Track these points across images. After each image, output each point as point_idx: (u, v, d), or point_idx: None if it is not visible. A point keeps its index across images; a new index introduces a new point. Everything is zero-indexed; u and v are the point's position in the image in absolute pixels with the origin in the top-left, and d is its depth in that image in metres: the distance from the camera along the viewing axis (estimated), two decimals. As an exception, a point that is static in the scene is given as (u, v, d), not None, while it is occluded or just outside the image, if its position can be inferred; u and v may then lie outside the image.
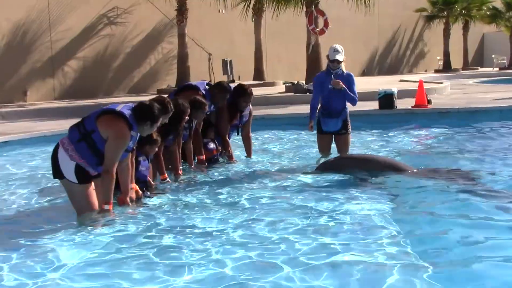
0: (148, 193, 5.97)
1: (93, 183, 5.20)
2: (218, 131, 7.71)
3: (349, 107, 7.79)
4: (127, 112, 5.11)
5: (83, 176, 5.09)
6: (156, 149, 6.14)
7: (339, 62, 7.48)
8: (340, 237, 4.40)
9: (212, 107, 7.54)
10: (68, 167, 5.06)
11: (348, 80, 7.58)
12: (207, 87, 7.47)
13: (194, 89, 7.36)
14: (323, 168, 6.87)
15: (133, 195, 5.63)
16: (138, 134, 5.28)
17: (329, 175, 6.62)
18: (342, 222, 4.80)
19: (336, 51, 7.51)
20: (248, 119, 8.00)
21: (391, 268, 3.74)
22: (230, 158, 7.73)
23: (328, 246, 4.22)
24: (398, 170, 6.52)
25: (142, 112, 5.17)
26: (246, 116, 7.95)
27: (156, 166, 6.44)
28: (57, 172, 5.13)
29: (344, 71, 7.63)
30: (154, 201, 5.77)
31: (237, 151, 8.26)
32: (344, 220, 4.84)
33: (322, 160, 7.44)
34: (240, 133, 8.11)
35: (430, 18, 34.42)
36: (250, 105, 7.97)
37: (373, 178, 6.37)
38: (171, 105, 5.55)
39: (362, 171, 6.55)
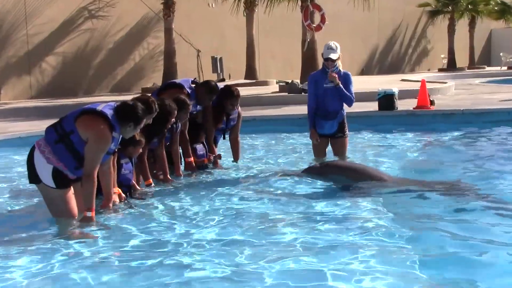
0: (132, 198, 5.98)
1: (72, 187, 5.21)
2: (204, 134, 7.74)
3: (346, 108, 7.82)
4: (108, 112, 5.12)
5: (61, 180, 5.10)
6: (140, 151, 6.14)
7: (333, 60, 7.49)
8: (320, 247, 4.46)
9: (197, 107, 7.56)
10: (44, 170, 5.07)
11: (345, 79, 7.60)
12: (192, 85, 7.47)
13: (179, 88, 7.36)
14: (307, 173, 6.93)
15: (117, 200, 5.65)
16: (121, 136, 5.29)
17: (315, 181, 6.70)
18: (322, 230, 4.89)
19: (330, 48, 7.51)
20: (236, 122, 8.02)
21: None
22: (215, 163, 7.76)
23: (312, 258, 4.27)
24: (381, 181, 6.58)
25: (124, 113, 5.19)
26: (234, 120, 7.97)
27: (140, 170, 6.46)
28: (33, 177, 5.14)
29: (341, 70, 7.65)
30: (138, 206, 5.79)
31: (226, 156, 8.28)
32: (324, 227, 4.94)
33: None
34: (229, 137, 8.14)
35: (434, 14, 34.53)
36: (239, 107, 7.99)
37: (357, 187, 6.43)
38: (156, 105, 5.57)
39: (348, 180, 6.61)
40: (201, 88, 7.46)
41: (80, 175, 5.17)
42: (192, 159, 7.40)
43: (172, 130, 6.94)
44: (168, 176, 6.79)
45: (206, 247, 4.55)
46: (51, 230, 5.15)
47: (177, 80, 7.84)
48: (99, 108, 5.15)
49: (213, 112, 7.71)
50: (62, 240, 4.79)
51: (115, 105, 5.25)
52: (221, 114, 7.76)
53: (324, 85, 7.59)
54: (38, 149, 5.10)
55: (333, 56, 7.47)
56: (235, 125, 8.03)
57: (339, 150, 7.86)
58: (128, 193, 5.98)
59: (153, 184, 6.52)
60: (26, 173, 5.24)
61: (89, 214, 5.09)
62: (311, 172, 6.94)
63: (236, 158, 8.15)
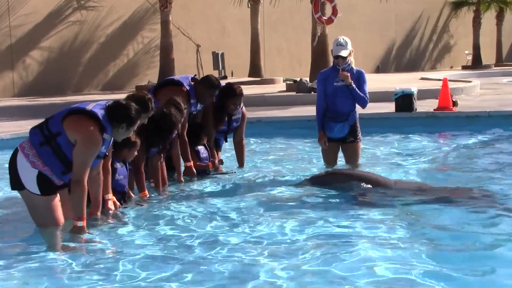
0: (127, 206, 6.01)
1: (58, 194, 5.23)
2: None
3: (359, 110, 7.81)
4: (99, 112, 5.14)
5: (46, 187, 5.12)
6: (135, 153, 6.17)
7: (343, 58, 7.47)
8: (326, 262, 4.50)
9: (198, 106, 7.58)
10: (28, 176, 5.08)
11: (358, 78, 7.60)
12: (192, 83, 7.49)
13: (177, 85, 7.39)
14: (312, 182, 6.96)
15: (112, 208, 5.68)
16: (112, 138, 5.31)
17: (320, 190, 6.73)
18: (330, 243, 4.92)
19: (339, 45, 7.49)
20: (240, 123, 8.04)
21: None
22: (216, 169, 7.79)
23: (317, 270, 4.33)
24: (392, 189, 6.63)
25: (117, 113, 5.20)
26: (238, 121, 7.99)
27: (136, 181, 6.47)
28: (15, 183, 5.16)
29: (354, 67, 7.65)
30: (133, 215, 5.82)
31: (231, 161, 8.31)
32: (330, 240, 4.98)
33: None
34: (232, 140, 8.16)
35: (457, 5, 34.55)
36: (243, 107, 8.01)
37: (366, 196, 6.48)
38: (152, 103, 5.62)
39: (356, 189, 6.67)
40: (200, 85, 7.47)
41: (67, 181, 5.19)
42: (192, 163, 7.41)
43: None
44: (161, 187, 6.81)
45: (203, 265, 4.56)
46: (34, 241, 5.16)
47: (176, 77, 7.86)
48: (89, 107, 5.17)
49: (213, 112, 7.72)
50: (45, 253, 4.80)
51: (107, 104, 5.26)
52: (222, 114, 7.77)
53: (335, 84, 7.58)
54: (21, 153, 5.12)
55: (343, 53, 7.46)
56: (238, 127, 8.05)
57: (351, 157, 7.83)
58: (121, 201, 5.99)
59: (147, 196, 6.54)
60: (8, 178, 5.26)
61: (80, 223, 5.10)
62: (316, 181, 6.96)
63: (241, 163, 8.16)
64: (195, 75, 7.77)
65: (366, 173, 7.12)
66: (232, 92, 7.70)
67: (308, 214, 5.80)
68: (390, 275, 4.18)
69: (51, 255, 4.77)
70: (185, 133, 7.30)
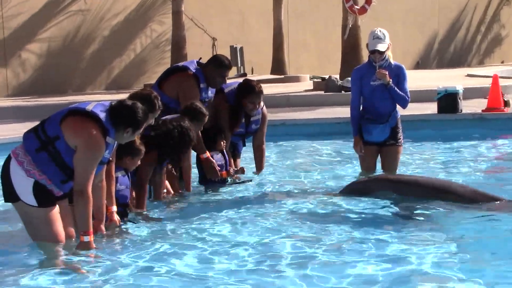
0: (128, 220, 6.07)
1: (57, 206, 5.25)
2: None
3: (400, 110, 7.80)
4: (101, 114, 5.17)
5: (44, 197, 5.13)
6: (142, 166, 6.23)
7: (381, 52, 7.47)
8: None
9: (209, 92, 7.59)
10: (23, 185, 5.10)
11: (398, 74, 7.61)
12: (198, 66, 7.51)
13: (182, 70, 7.48)
14: (349, 191, 6.95)
15: (117, 220, 5.76)
16: (116, 142, 5.34)
17: (357, 200, 6.72)
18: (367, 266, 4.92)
19: (376, 38, 7.50)
20: (260, 125, 8.06)
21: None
22: (232, 175, 7.83)
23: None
24: (459, 197, 6.55)
25: (121, 115, 5.22)
26: (257, 122, 8.01)
27: (137, 197, 6.52)
28: (9, 193, 5.17)
29: (392, 62, 7.64)
30: (137, 229, 5.88)
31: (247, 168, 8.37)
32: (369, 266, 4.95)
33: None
34: (252, 143, 8.20)
35: (509, -8, 34.43)
36: (264, 107, 8.01)
37: (417, 207, 6.44)
38: (159, 101, 5.74)
39: (402, 196, 6.65)
40: (209, 67, 7.49)
41: (67, 191, 5.23)
42: (209, 155, 7.39)
43: None
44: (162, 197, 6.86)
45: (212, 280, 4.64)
46: (30, 258, 5.20)
47: (180, 64, 7.89)
48: (89, 108, 5.19)
49: (229, 112, 7.73)
50: (42, 271, 4.83)
51: (110, 105, 5.29)
52: (239, 115, 7.78)
53: (371, 83, 7.60)
54: (15, 160, 5.13)
55: (380, 47, 7.46)
56: (258, 130, 8.07)
57: (390, 162, 7.81)
58: (123, 214, 6.03)
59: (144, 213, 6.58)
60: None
61: (86, 238, 5.14)
62: (354, 189, 6.95)
63: (259, 168, 8.20)
64: (200, 58, 7.76)
65: (418, 177, 7.07)
66: (250, 89, 7.70)
67: (344, 231, 5.80)
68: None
69: (50, 274, 4.80)
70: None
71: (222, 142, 7.63)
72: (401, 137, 7.84)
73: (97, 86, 21.57)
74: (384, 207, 6.56)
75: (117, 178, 5.92)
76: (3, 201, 5.37)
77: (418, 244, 5.31)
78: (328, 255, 5.12)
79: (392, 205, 6.60)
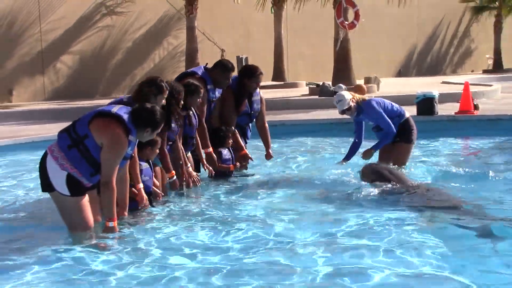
0: (153, 206, 6.09)
1: (87, 195, 5.27)
2: (223, 122, 7.80)
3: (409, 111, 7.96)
4: (124, 116, 5.18)
5: (75, 188, 5.16)
6: (157, 151, 6.22)
7: (348, 110, 7.60)
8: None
9: (216, 92, 7.61)
10: (58, 178, 5.12)
11: (369, 113, 7.65)
12: (205, 71, 7.53)
13: (190, 75, 7.48)
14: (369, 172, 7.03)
15: (144, 197, 5.83)
16: (137, 140, 5.35)
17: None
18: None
19: (337, 103, 7.66)
20: (260, 107, 8.11)
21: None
22: (242, 167, 7.84)
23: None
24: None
25: (142, 117, 5.24)
26: (258, 102, 8.05)
27: (162, 163, 6.49)
28: (46, 185, 5.20)
29: (361, 103, 7.65)
30: (160, 213, 5.93)
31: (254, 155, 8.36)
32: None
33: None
34: (256, 125, 8.24)
35: (478, 10, 34.28)
36: (260, 92, 8.09)
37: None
38: (165, 83, 5.81)
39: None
40: (215, 70, 7.53)
41: (96, 182, 5.25)
42: (212, 150, 7.40)
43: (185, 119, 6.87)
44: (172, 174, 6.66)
45: (232, 256, 4.64)
46: (63, 240, 5.24)
47: (189, 70, 7.95)
48: (114, 110, 5.21)
49: (234, 96, 7.76)
50: (77, 251, 4.88)
51: (132, 108, 5.30)
52: (243, 96, 7.84)
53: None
54: (50, 155, 5.16)
55: (344, 107, 7.57)
56: (259, 111, 8.11)
57: (395, 159, 7.80)
58: (148, 202, 6.04)
59: (175, 178, 6.56)
60: (39, 180, 5.30)
61: (110, 224, 5.18)
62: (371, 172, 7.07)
63: (267, 146, 8.22)
64: (207, 63, 7.82)
65: (394, 172, 7.09)
66: (252, 71, 7.80)
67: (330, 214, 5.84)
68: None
69: (80, 254, 4.84)
70: (203, 120, 7.33)
71: (229, 141, 7.64)
72: (411, 136, 7.81)
73: (121, 91, 21.60)
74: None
75: (141, 170, 5.94)
76: (41, 190, 5.35)
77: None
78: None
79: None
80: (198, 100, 6.91)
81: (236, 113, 7.85)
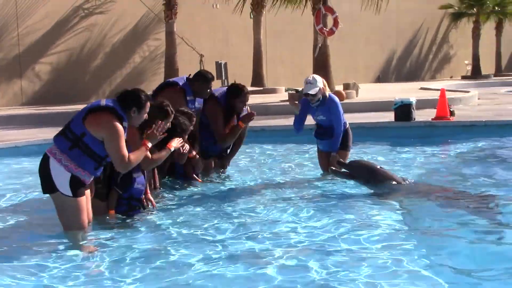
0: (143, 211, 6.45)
1: (85, 197, 5.61)
2: (215, 137, 8.17)
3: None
4: (114, 105, 5.57)
5: (77, 189, 5.49)
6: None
7: (313, 95, 7.83)
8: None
9: (196, 103, 8.02)
10: (62, 179, 5.44)
11: (329, 107, 7.95)
12: (186, 82, 7.99)
13: (172, 85, 7.93)
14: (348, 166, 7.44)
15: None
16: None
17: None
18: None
19: (308, 83, 7.88)
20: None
21: None
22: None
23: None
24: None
25: (126, 98, 5.64)
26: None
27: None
28: (48, 186, 5.50)
29: (327, 95, 7.95)
30: (154, 216, 6.30)
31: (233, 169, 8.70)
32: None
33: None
34: None
35: (457, 16, 34.72)
36: (248, 107, 8.43)
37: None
38: (169, 106, 6.29)
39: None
40: (196, 82, 7.97)
41: (99, 175, 5.72)
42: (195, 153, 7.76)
43: None
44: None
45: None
46: (57, 241, 5.53)
47: (171, 79, 8.34)
48: (103, 103, 5.60)
49: (223, 112, 8.13)
50: (69, 252, 5.18)
51: (116, 96, 5.71)
52: (231, 113, 8.23)
53: (315, 117, 8.18)
54: (53, 158, 5.46)
55: (310, 91, 7.83)
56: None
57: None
58: (140, 207, 6.39)
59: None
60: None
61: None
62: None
63: (229, 156, 8.67)
64: (189, 75, 8.16)
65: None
66: (239, 91, 8.17)
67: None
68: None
69: (76, 254, 5.14)
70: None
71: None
72: (348, 144, 8.17)
73: (100, 95, 21.65)
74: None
75: (134, 179, 6.19)
76: (42, 192, 5.63)
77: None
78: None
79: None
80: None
81: (226, 128, 8.22)
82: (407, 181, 7.26)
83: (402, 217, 6.08)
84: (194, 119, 7.32)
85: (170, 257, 5.01)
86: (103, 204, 6.14)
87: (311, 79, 7.88)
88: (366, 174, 7.25)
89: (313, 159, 9.72)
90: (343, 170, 7.48)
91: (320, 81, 7.87)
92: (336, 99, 8.00)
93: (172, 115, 6.36)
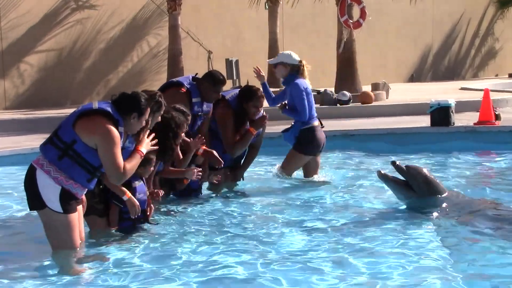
0: (149, 222, 6.54)
1: (77, 213, 5.62)
2: (224, 145, 8.18)
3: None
4: (108, 108, 5.54)
5: (68, 204, 5.48)
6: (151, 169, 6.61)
7: (281, 66, 8.50)
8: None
9: (204, 106, 7.97)
10: (52, 193, 5.41)
11: (291, 93, 8.56)
12: (193, 82, 7.92)
13: (176, 86, 7.88)
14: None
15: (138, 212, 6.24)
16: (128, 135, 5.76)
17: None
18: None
19: (285, 54, 8.67)
20: (262, 129, 8.47)
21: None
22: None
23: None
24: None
25: (125, 103, 5.61)
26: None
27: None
28: (36, 202, 5.47)
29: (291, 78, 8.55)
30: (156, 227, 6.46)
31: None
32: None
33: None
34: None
35: (503, 4, 34.48)
36: (263, 111, 8.42)
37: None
38: (161, 97, 6.26)
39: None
40: (204, 83, 7.89)
41: (93, 188, 5.68)
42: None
43: None
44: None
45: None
46: (46, 263, 5.58)
47: (176, 79, 8.32)
48: (95, 105, 5.57)
49: (234, 116, 8.14)
50: (59, 276, 5.23)
51: (112, 98, 5.68)
52: (243, 121, 8.24)
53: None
54: (41, 170, 5.44)
55: (271, 60, 8.72)
56: (260, 133, 8.51)
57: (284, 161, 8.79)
58: (143, 219, 6.45)
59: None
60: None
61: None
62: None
63: (243, 167, 8.75)
64: (196, 74, 8.15)
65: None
66: (252, 94, 8.17)
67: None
68: None
69: (66, 278, 5.20)
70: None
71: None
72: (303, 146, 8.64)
73: (95, 97, 21.53)
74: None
75: (135, 187, 6.25)
76: (29, 209, 5.65)
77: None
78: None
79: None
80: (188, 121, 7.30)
81: (237, 133, 8.21)
82: (460, 196, 7.27)
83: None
84: (189, 117, 7.25)
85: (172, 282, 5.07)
86: (102, 221, 6.17)
87: (285, 52, 8.65)
88: (422, 184, 7.21)
89: (338, 168, 9.78)
90: (391, 175, 7.45)
91: (295, 56, 8.60)
92: (301, 85, 8.52)
93: (163, 108, 6.29)
